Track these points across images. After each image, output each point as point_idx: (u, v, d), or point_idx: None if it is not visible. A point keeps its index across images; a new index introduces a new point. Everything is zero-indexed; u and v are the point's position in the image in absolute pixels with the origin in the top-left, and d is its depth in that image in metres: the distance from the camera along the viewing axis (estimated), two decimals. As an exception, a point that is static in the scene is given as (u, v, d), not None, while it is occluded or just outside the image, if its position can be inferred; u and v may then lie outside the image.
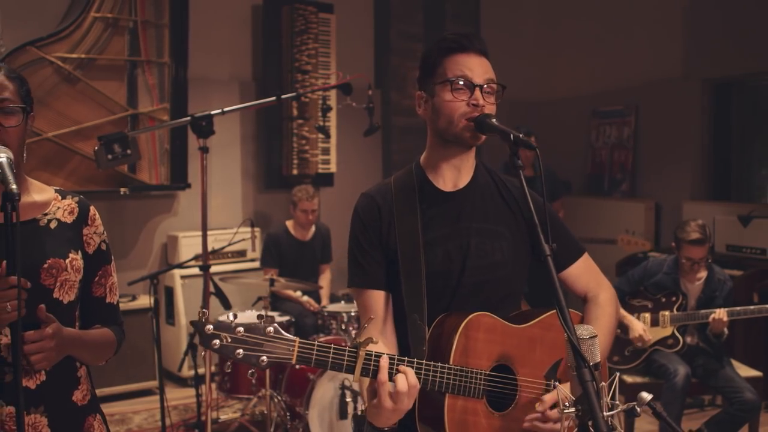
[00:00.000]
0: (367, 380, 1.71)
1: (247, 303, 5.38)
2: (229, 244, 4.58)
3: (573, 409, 1.45)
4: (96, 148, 3.49)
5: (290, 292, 5.13)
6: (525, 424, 1.83)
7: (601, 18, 6.99)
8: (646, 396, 1.58)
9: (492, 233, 1.90)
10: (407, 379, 1.62)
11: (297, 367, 4.43)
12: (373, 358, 1.62)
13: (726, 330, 3.95)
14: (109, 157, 3.52)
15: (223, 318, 1.61)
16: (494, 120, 1.78)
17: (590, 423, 1.42)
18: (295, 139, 6.33)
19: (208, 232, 5.92)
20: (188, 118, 3.70)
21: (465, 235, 1.89)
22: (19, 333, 1.58)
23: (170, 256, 5.99)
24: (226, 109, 3.83)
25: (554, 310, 1.93)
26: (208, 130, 3.75)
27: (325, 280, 5.51)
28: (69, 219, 1.86)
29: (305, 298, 5.14)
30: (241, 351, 1.55)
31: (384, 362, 1.62)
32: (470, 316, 1.79)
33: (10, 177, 1.60)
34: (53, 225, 1.83)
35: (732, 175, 6.48)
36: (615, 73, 6.93)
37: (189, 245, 5.86)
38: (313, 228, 5.44)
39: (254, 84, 6.55)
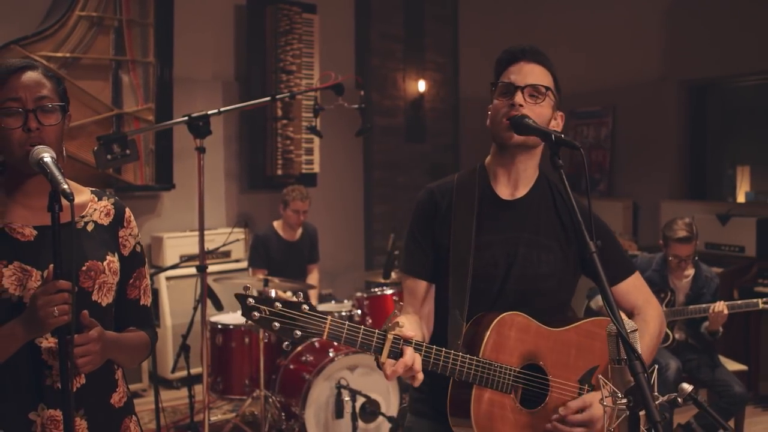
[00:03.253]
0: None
1: (234, 304, 5.34)
2: (224, 245, 4.56)
3: (624, 400, 1.49)
4: (95, 148, 3.46)
5: (280, 293, 5.11)
6: (547, 425, 1.89)
7: (579, 20, 7.10)
8: (688, 387, 1.64)
9: (541, 246, 1.96)
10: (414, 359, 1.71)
11: (291, 367, 4.43)
12: (402, 342, 1.72)
13: (721, 328, 4.04)
14: (109, 157, 3.48)
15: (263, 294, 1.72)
16: (531, 120, 1.82)
17: (642, 413, 1.47)
18: (280, 139, 6.33)
19: (194, 233, 5.93)
20: (186, 117, 3.68)
21: (514, 244, 1.95)
22: (72, 336, 1.57)
23: (155, 257, 5.94)
24: (222, 108, 3.82)
25: (593, 318, 2.00)
26: (205, 130, 3.74)
27: (313, 280, 5.52)
28: (105, 221, 1.85)
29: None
30: (277, 324, 1.64)
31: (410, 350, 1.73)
32: (503, 315, 1.86)
33: (60, 176, 1.59)
34: (90, 227, 1.81)
35: (707, 174, 6.63)
36: (592, 75, 7.04)
37: (174, 246, 5.83)
38: (301, 228, 5.44)
39: (237, 84, 6.53)
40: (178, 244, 5.83)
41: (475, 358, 1.81)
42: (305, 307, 1.68)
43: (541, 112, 1.89)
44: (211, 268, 5.68)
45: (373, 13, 7.38)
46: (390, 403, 4.29)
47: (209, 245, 4.79)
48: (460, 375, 1.80)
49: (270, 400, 4.43)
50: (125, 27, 5.44)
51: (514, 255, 1.94)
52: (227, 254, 6.07)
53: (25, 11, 5.34)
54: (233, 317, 4.86)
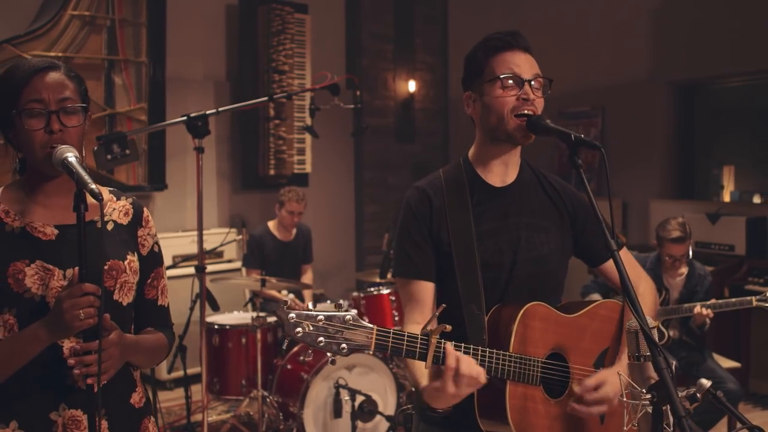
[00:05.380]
0: (416, 364, 1.76)
1: (227, 304, 5.34)
2: (222, 245, 4.55)
3: (648, 396, 1.51)
4: (95, 148, 3.44)
5: (274, 292, 5.12)
6: (568, 408, 1.90)
7: (568, 20, 7.15)
8: (706, 382, 1.66)
9: (540, 227, 1.98)
10: (471, 365, 1.67)
11: (288, 367, 4.43)
12: (443, 345, 1.67)
13: (708, 320, 4.09)
14: (108, 157, 3.46)
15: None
16: (548, 121, 1.84)
17: (665, 408, 1.49)
18: (272, 139, 6.33)
19: (186, 233, 5.92)
20: (185, 117, 3.67)
21: (515, 229, 1.95)
22: (100, 337, 1.57)
23: (147, 258, 5.91)
24: (221, 108, 3.82)
25: (601, 301, 2.03)
26: (204, 131, 3.74)
27: (307, 279, 5.52)
28: (124, 220, 1.84)
29: (291, 296, 5.14)
30: (322, 339, 1.55)
31: (450, 348, 1.68)
32: (527, 306, 1.85)
33: (86, 176, 1.58)
34: (110, 226, 1.81)
35: (696, 174, 6.71)
36: (581, 75, 7.09)
37: (167, 246, 5.78)
38: (295, 229, 5.44)
39: (228, 84, 6.51)
40: (170, 245, 5.81)
41: (507, 353, 1.79)
42: (349, 318, 1.58)
43: (542, 103, 1.91)
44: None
45: (363, 14, 7.39)
46: (388, 402, 4.30)
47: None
48: (495, 372, 1.76)
49: (267, 400, 4.43)
50: (118, 26, 5.42)
51: (517, 240, 1.94)
52: (220, 254, 6.06)
53: (16, 10, 5.29)
54: (230, 317, 4.86)
